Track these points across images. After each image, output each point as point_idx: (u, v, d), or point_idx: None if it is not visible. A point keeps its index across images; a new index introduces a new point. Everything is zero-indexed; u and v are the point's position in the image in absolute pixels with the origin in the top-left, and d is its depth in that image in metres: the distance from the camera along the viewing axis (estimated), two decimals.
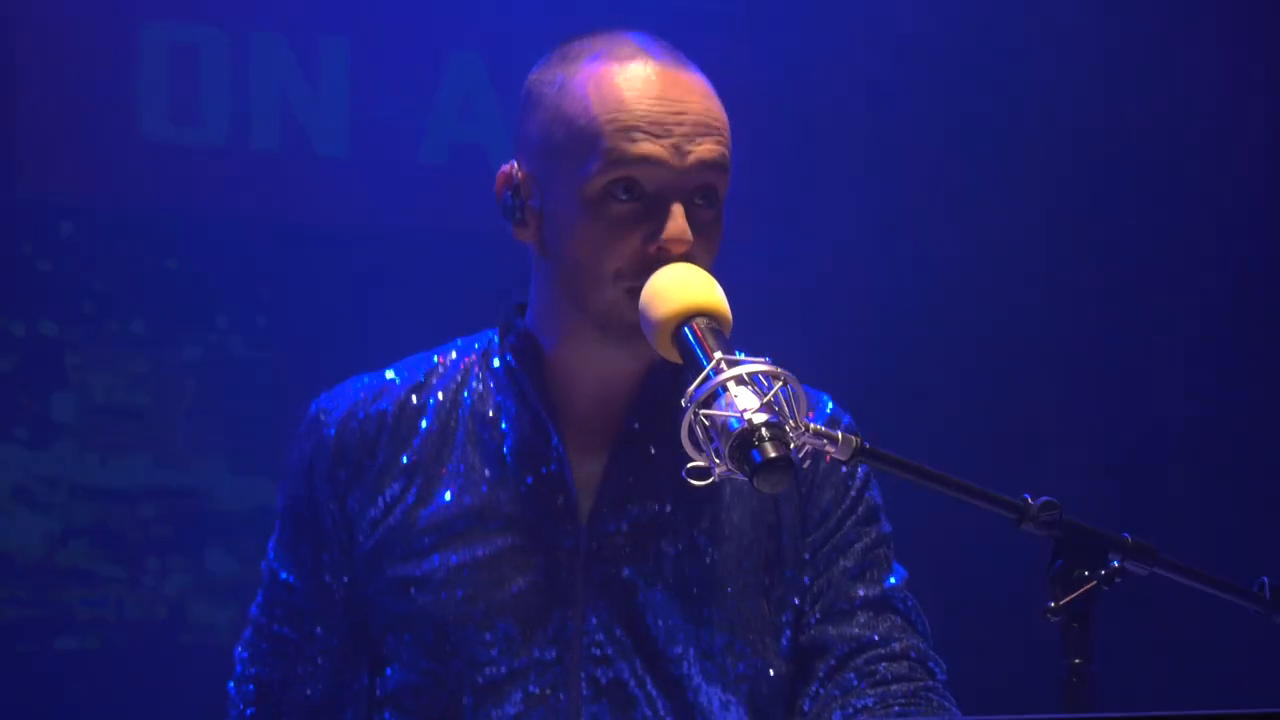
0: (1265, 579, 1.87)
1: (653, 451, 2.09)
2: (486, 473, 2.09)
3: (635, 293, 1.96)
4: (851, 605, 2.12)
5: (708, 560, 2.08)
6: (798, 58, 4.36)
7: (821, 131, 4.37)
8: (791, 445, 1.67)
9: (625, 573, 2.06)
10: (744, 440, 1.66)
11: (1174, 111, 4.48)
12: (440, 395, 2.14)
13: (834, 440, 1.73)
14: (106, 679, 3.92)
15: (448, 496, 2.09)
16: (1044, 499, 1.77)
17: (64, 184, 3.95)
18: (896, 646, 2.11)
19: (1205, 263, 4.55)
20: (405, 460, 2.11)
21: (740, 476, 1.68)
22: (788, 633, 2.12)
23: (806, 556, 2.12)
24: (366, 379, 2.19)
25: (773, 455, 1.65)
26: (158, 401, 4.01)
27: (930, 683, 2.11)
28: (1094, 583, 1.75)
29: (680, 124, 1.99)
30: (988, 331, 4.43)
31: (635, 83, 2.01)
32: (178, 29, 4.03)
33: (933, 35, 4.42)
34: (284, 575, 2.18)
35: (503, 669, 2.05)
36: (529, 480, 2.08)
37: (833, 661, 2.10)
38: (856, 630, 2.11)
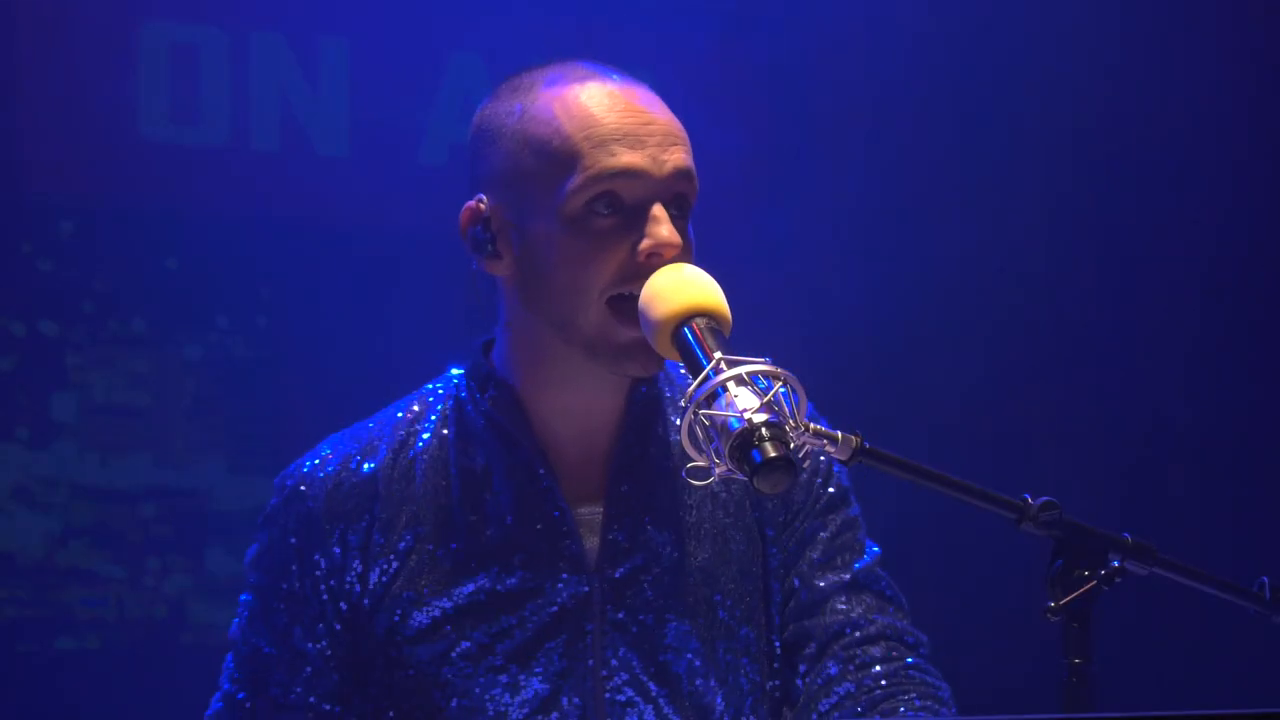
0: (1265, 579, 1.87)
1: (646, 482, 2.08)
2: (488, 531, 2.05)
3: (618, 302, 1.97)
4: (824, 594, 2.12)
5: (715, 592, 2.09)
6: (799, 52, 4.36)
7: (822, 130, 4.37)
8: (791, 445, 1.67)
9: (640, 614, 2.05)
10: (744, 440, 1.66)
11: (1177, 111, 4.48)
12: (424, 456, 2.09)
13: (834, 440, 1.73)
14: (106, 679, 3.92)
15: (452, 560, 2.05)
16: (1044, 499, 1.77)
17: (64, 184, 3.95)
18: (872, 628, 2.11)
19: (1206, 262, 4.55)
20: (403, 521, 2.07)
21: (740, 476, 1.68)
22: (770, 622, 2.14)
23: (777, 554, 2.14)
24: (338, 444, 2.12)
25: (773, 455, 1.65)
26: (158, 401, 4.01)
27: (910, 659, 2.11)
28: (1094, 583, 1.75)
29: (651, 134, 2.00)
30: (988, 332, 4.43)
31: (601, 98, 2.01)
32: (178, 29, 4.03)
33: (936, 29, 4.42)
34: (261, 644, 2.11)
35: None
36: (533, 531, 2.06)
37: (811, 651, 2.11)
38: (830, 618, 2.11)
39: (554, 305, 2.01)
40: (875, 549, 2.18)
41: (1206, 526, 4.34)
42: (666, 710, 2.05)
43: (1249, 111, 4.52)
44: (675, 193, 2.01)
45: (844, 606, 2.11)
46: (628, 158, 1.97)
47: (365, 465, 2.09)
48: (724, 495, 2.13)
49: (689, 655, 2.06)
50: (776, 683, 2.13)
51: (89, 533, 3.95)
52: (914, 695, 2.05)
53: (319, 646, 2.07)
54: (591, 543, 2.06)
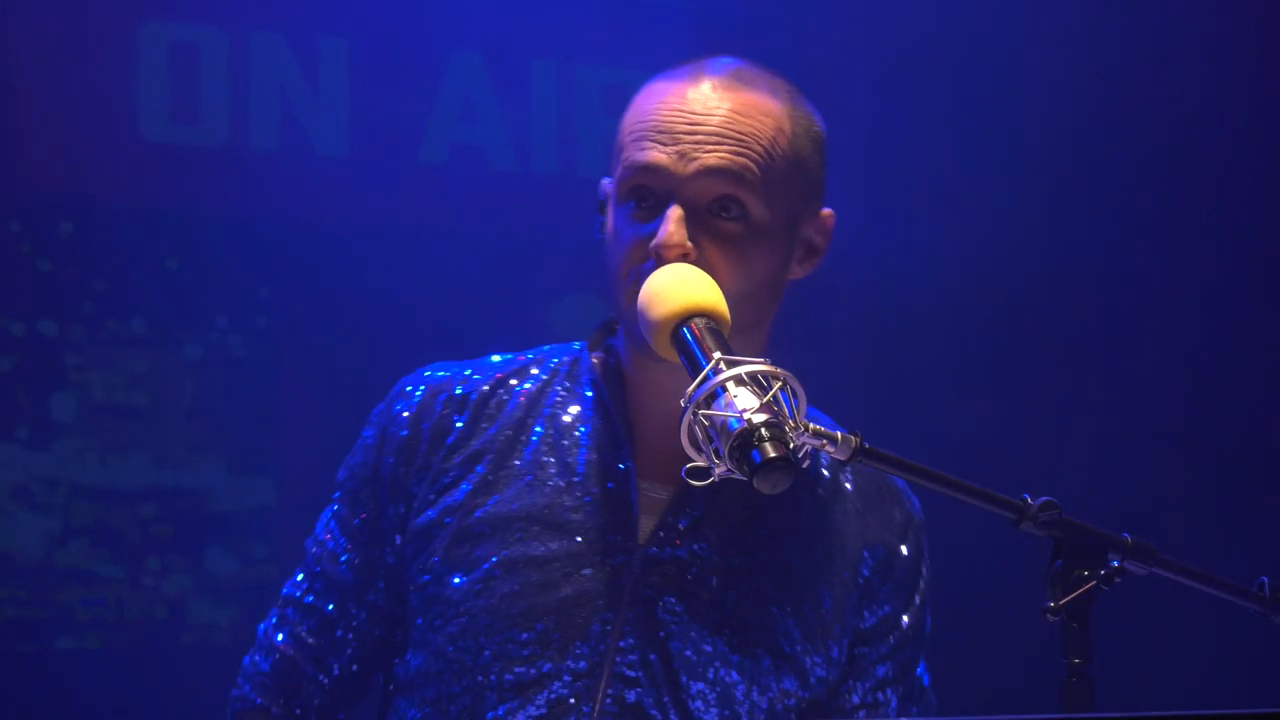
0: (1265, 579, 1.87)
1: (723, 490, 2.08)
2: (555, 477, 2.09)
3: None
4: (878, 702, 2.17)
5: (748, 610, 2.08)
6: (804, 53, 4.36)
7: (835, 138, 4.36)
8: (791, 445, 1.67)
9: (668, 601, 2.06)
10: (744, 440, 1.66)
11: (1177, 112, 4.48)
12: (525, 392, 2.15)
13: (833, 440, 1.73)
14: (106, 679, 3.92)
15: (512, 492, 2.08)
16: (1044, 499, 1.77)
17: (64, 184, 3.95)
18: None
19: (1206, 263, 4.55)
20: (476, 447, 2.11)
21: (740, 476, 1.68)
22: (796, 689, 2.12)
23: (841, 653, 2.15)
24: (454, 365, 2.20)
25: (772, 455, 1.64)
26: (158, 401, 4.01)
27: None
28: (1094, 583, 1.75)
29: (692, 133, 2.01)
30: (988, 332, 4.43)
31: (664, 94, 2.05)
32: (178, 29, 4.03)
33: (938, 28, 4.42)
34: (334, 549, 2.17)
35: (533, 670, 2.04)
36: (595, 492, 2.08)
37: None
38: None
39: (607, 284, 2.07)
40: (926, 671, 2.25)
41: (1206, 526, 4.34)
42: (666, 700, 2.05)
43: (1248, 113, 4.52)
44: (714, 194, 2.01)
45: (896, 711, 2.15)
46: (652, 154, 2.01)
47: (461, 390, 2.15)
48: (821, 539, 2.14)
49: (699, 658, 2.06)
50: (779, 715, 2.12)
51: (89, 533, 3.95)
52: None
53: (375, 553, 2.14)
54: (648, 522, 2.08)
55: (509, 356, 2.21)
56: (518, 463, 2.10)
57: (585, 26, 4.17)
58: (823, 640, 2.11)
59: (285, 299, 4.07)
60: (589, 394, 2.13)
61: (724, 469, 1.70)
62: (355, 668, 2.18)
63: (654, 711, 2.05)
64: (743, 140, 2.02)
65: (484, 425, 2.13)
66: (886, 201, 4.42)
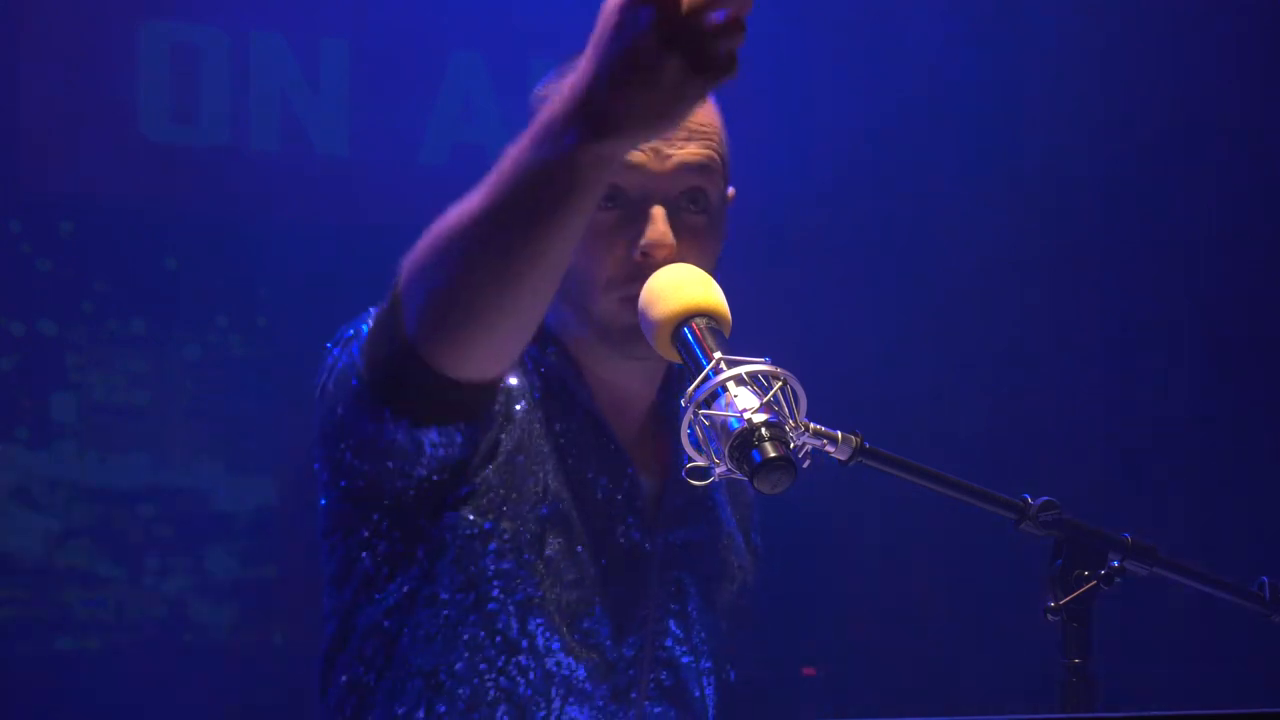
0: (1265, 579, 1.87)
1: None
2: (572, 469, 2.05)
3: (630, 301, 1.96)
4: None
5: (736, 575, 2.16)
6: (809, 66, 4.36)
7: (827, 132, 4.37)
8: (791, 445, 1.67)
9: (687, 584, 2.10)
10: (744, 440, 1.65)
11: (1175, 121, 4.49)
12: (522, 390, 2.07)
13: (833, 440, 1.73)
14: (106, 679, 3.92)
15: (531, 480, 2.02)
16: (1044, 499, 1.77)
17: (64, 184, 3.95)
18: None
19: (1207, 264, 4.56)
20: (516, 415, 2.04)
21: (740, 476, 1.68)
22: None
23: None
24: None
25: (773, 455, 1.64)
26: (158, 401, 4.01)
27: None
28: (1094, 583, 1.75)
29: None
30: (989, 333, 4.43)
31: None
32: (178, 29, 4.03)
33: (944, 42, 4.42)
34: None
35: (586, 663, 2.03)
36: (603, 481, 2.07)
37: None
38: None
39: (570, 291, 2.02)
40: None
41: (1206, 527, 4.34)
42: (703, 681, 2.10)
43: (1245, 117, 4.53)
44: (685, 187, 2.01)
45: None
46: (630, 154, 1.97)
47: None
48: (744, 496, 2.21)
49: (718, 636, 2.11)
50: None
51: (89, 533, 3.95)
52: None
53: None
54: (651, 509, 2.08)
55: None
56: (531, 451, 2.04)
57: (585, 26, 4.17)
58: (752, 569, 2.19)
59: (285, 299, 4.07)
60: (556, 388, 2.08)
61: (724, 469, 1.70)
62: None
63: (694, 692, 2.09)
64: (704, 132, 2.02)
65: (511, 412, 2.05)
66: (891, 207, 4.42)
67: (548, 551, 2.03)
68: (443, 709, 2.01)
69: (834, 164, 4.37)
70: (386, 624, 2.02)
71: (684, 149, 2.01)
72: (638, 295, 1.93)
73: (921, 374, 4.40)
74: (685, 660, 2.09)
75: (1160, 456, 4.49)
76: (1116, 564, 1.77)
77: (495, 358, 1.89)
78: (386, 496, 1.98)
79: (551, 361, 2.08)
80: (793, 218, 4.33)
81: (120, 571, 3.97)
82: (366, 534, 2.02)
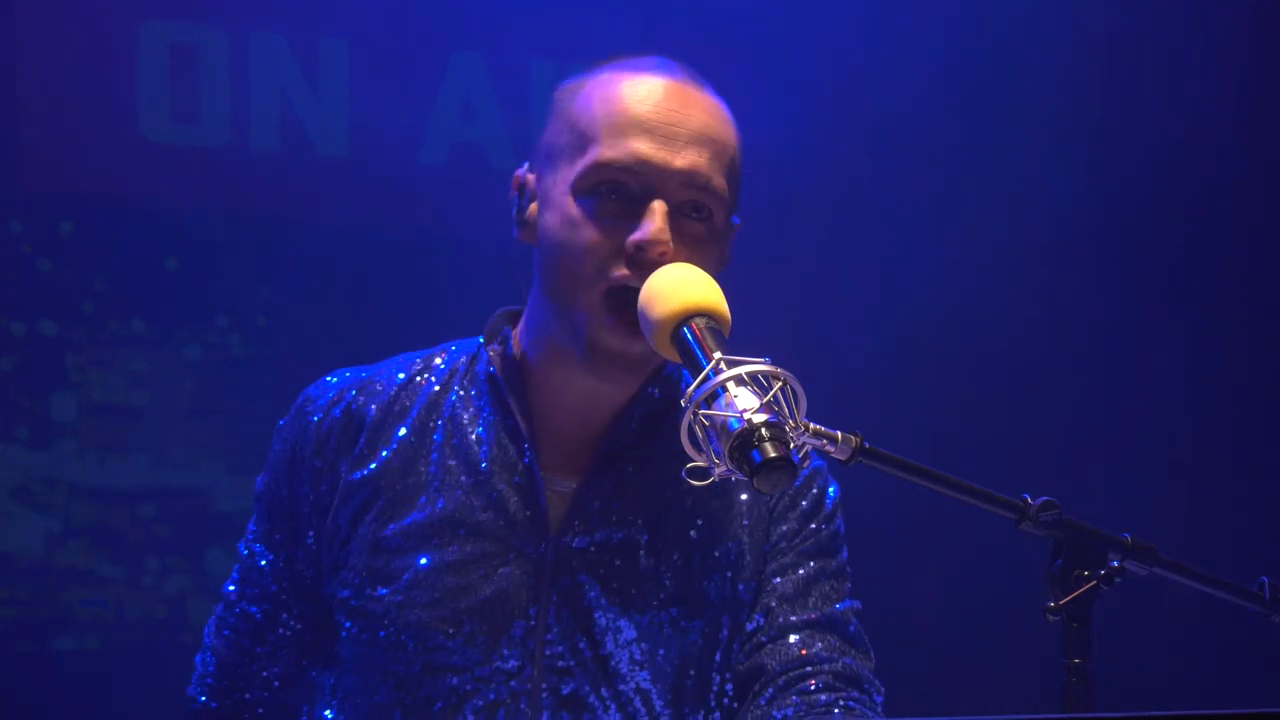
0: (1265, 579, 1.87)
1: (630, 471, 2.10)
2: (462, 478, 2.10)
3: (612, 297, 1.98)
4: (783, 629, 2.11)
5: (664, 584, 2.09)
6: (808, 63, 4.36)
7: (831, 135, 4.37)
8: (791, 445, 1.67)
9: (587, 588, 2.07)
10: (744, 440, 1.66)
11: (1177, 123, 4.48)
12: (425, 398, 2.15)
13: (833, 440, 1.73)
14: (106, 679, 3.92)
15: (422, 499, 2.09)
16: (1043, 499, 1.77)
17: (64, 184, 3.95)
18: (827, 666, 2.09)
19: (1208, 265, 4.56)
20: (384, 456, 2.12)
21: (740, 476, 1.68)
22: (731, 646, 2.13)
23: (753, 585, 2.13)
24: (355, 373, 2.19)
25: (773, 455, 1.64)
26: (158, 401, 4.01)
27: (857, 694, 2.09)
28: (1094, 583, 1.75)
29: (674, 133, 2.01)
30: (991, 333, 4.43)
31: (639, 90, 2.04)
32: (178, 29, 4.03)
33: (949, 43, 4.42)
34: (258, 558, 2.18)
35: (466, 674, 2.05)
36: (501, 488, 2.09)
37: (765, 679, 2.10)
38: (790, 651, 2.10)
39: (555, 279, 2.04)
40: (855, 601, 2.18)
41: (1206, 526, 4.34)
42: (601, 686, 2.06)
43: (1247, 120, 4.53)
44: (688, 195, 2.02)
45: (806, 641, 2.11)
46: (637, 146, 2.00)
47: (363, 400, 2.15)
48: (735, 516, 2.15)
49: (624, 639, 2.07)
50: (714, 688, 2.12)
51: (89, 533, 3.95)
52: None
53: (298, 566, 2.15)
54: (558, 512, 2.09)
55: (413, 356, 2.21)
56: (423, 469, 2.10)
57: (585, 26, 4.17)
58: (733, 596, 2.12)
59: (285, 299, 4.07)
60: (486, 390, 2.12)
61: (724, 469, 1.70)
62: (293, 667, 2.18)
63: (592, 699, 2.06)
64: (716, 144, 2.04)
65: (388, 434, 2.13)
66: (894, 209, 4.42)
67: (424, 562, 2.07)
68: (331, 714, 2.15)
69: (834, 163, 4.37)
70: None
71: (695, 153, 2.02)
72: (620, 287, 1.95)
73: (921, 374, 4.40)
74: (578, 672, 2.05)
75: (1160, 456, 4.49)
76: (1116, 564, 1.77)
77: None
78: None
79: (490, 358, 2.13)
80: (793, 217, 4.33)
81: (120, 571, 3.97)
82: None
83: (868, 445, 1.74)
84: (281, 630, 2.17)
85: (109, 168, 3.97)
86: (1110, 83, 4.52)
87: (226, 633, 2.20)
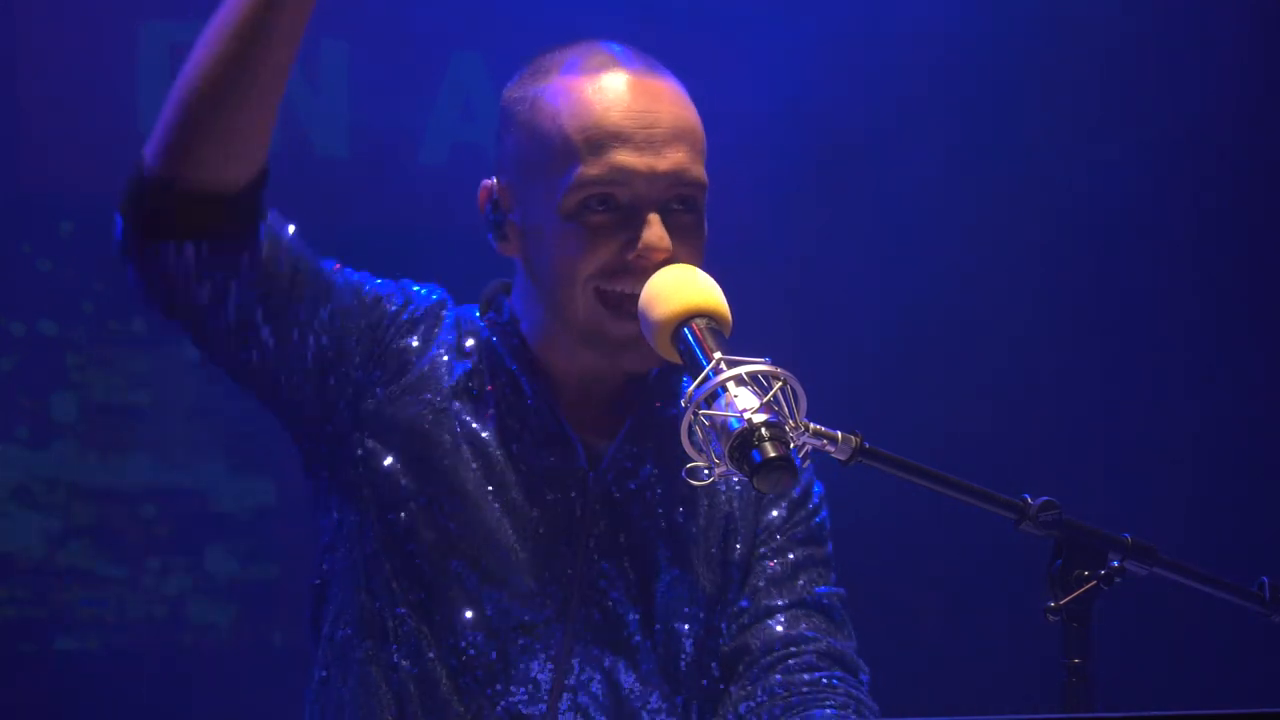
0: (1265, 579, 1.87)
1: (655, 426, 2.13)
2: (507, 422, 2.11)
3: (606, 296, 2.01)
4: (769, 610, 2.14)
5: (687, 526, 2.13)
6: (815, 68, 4.36)
7: (836, 135, 4.36)
8: (791, 445, 1.67)
9: (630, 534, 2.10)
10: (744, 440, 1.66)
11: (1181, 123, 4.48)
12: (460, 370, 2.15)
13: (834, 440, 1.73)
14: (106, 679, 3.92)
15: (478, 425, 2.10)
16: (1043, 499, 1.77)
17: (64, 184, 3.95)
18: (810, 645, 2.11)
19: (1208, 265, 4.56)
20: (428, 398, 2.12)
21: (740, 476, 1.68)
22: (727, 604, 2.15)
23: (743, 564, 2.16)
24: (442, 308, 2.23)
25: (773, 455, 1.64)
26: (158, 401, 4.01)
27: (841, 673, 2.10)
28: (1094, 583, 1.75)
29: (652, 136, 2.02)
30: (992, 333, 4.43)
31: (606, 95, 2.04)
32: (178, 29, 4.03)
33: (960, 38, 4.42)
34: (322, 274, 2.16)
35: (505, 603, 2.06)
36: (539, 434, 2.11)
37: (749, 659, 2.12)
38: (773, 631, 2.13)
39: (550, 293, 2.07)
40: (841, 588, 2.20)
41: (1206, 526, 4.34)
42: (637, 625, 2.09)
43: (1249, 118, 4.53)
44: (675, 193, 2.03)
45: (791, 622, 2.13)
46: (621, 158, 2.01)
47: (423, 344, 2.17)
48: (730, 497, 2.18)
49: (662, 584, 2.10)
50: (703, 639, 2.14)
51: (89, 533, 3.95)
52: (833, 707, 2.04)
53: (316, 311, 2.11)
54: (593, 457, 2.12)
55: (455, 313, 2.22)
56: (457, 435, 2.10)
57: (586, 26, 4.16)
58: (735, 561, 2.15)
59: None
60: (505, 355, 2.14)
61: (724, 468, 1.70)
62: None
63: (627, 634, 2.09)
64: (691, 133, 2.06)
65: (436, 385, 2.12)
66: (897, 209, 4.42)
67: (465, 509, 2.07)
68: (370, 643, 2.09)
69: (834, 161, 4.37)
70: (325, 540, 2.14)
71: (675, 154, 2.03)
72: (613, 290, 1.97)
73: (921, 374, 4.39)
74: (623, 604, 2.08)
75: (1160, 456, 4.49)
76: (1116, 564, 1.78)
77: (225, 157, 2.07)
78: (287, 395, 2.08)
79: (504, 349, 2.14)
80: (793, 217, 4.33)
81: (120, 571, 3.97)
82: (316, 456, 2.14)
83: (868, 445, 1.75)
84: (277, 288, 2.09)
85: (109, 168, 3.96)
86: (1110, 82, 4.52)
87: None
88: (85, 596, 3.95)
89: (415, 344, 2.14)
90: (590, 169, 2.01)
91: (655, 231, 2.00)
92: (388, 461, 2.08)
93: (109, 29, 3.97)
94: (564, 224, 2.02)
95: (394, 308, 2.17)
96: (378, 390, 2.10)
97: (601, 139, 2.01)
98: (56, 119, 3.92)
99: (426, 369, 2.13)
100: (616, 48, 2.11)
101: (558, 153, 2.03)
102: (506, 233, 2.12)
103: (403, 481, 2.07)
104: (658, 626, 2.09)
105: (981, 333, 4.42)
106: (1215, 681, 4.29)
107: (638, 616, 2.09)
